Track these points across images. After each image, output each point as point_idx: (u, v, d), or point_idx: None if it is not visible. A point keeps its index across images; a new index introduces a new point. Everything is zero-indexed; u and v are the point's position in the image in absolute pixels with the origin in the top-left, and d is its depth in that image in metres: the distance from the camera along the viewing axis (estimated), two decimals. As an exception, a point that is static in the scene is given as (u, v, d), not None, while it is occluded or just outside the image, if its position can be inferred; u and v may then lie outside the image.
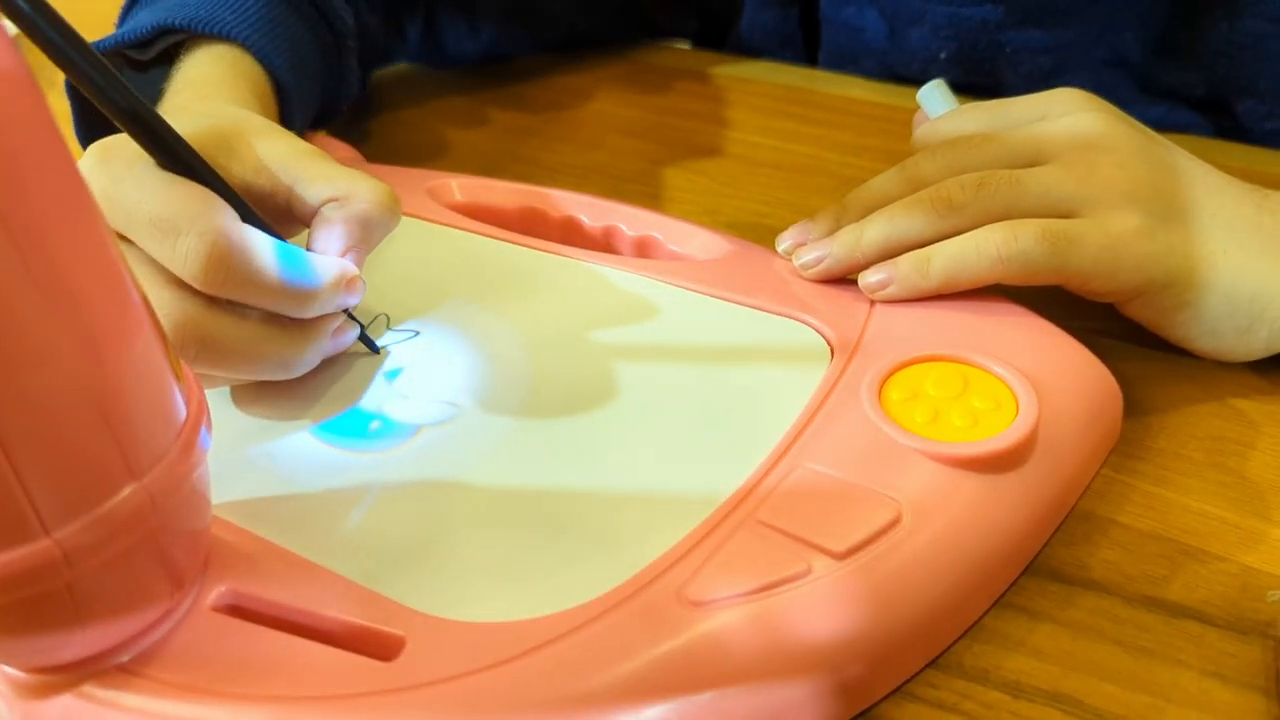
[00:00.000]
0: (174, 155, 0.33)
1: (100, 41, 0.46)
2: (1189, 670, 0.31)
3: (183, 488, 0.27)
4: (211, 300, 0.34)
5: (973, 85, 0.57)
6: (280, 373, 0.36)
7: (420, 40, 0.61)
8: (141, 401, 0.26)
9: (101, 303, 0.25)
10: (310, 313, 0.35)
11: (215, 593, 0.30)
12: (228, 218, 0.33)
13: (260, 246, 0.33)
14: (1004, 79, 0.58)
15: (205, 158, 0.34)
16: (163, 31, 0.45)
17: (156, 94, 0.44)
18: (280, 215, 0.37)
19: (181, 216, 0.32)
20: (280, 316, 0.35)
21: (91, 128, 0.46)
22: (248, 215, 0.35)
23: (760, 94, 0.63)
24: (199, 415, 0.28)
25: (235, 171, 0.36)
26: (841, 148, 0.57)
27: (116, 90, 0.31)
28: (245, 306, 0.34)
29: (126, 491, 0.26)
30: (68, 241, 0.24)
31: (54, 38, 0.30)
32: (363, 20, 0.55)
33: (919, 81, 0.46)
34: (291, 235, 0.37)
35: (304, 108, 0.49)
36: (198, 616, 0.30)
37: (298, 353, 0.36)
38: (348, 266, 0.36)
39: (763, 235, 0.46)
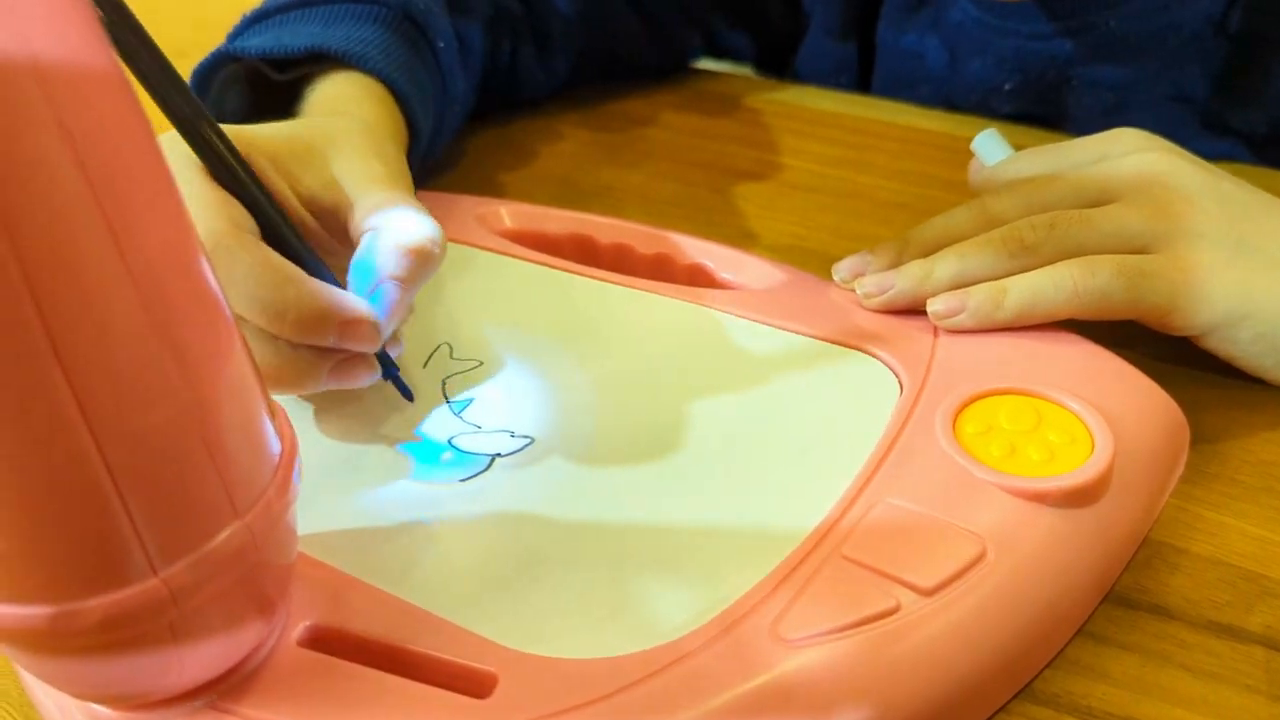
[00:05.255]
0: (217, 160, 0.33)
1: (231, 47, 0.47)
2: (1258, 695, 0.31)
3: (280, 524, 0.27)
4: None
5: (1034, 116, 0.58)
6: (269, 386, 0.34)
7: (509, 69, 0.61)
8: (241, 432, 0.26)
9: (201, 326, 0.24)
10: (288, 333, 0.33)
11: (300, 627, 0.30)
12: (230, 225, 0.33)
13: (254, 257, 0.33)
14: (1067, 112, 0.58)
15: (280, 165, 0.34)
16: (312, 55, 0.46)
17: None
18: (342, 234, 0.37)
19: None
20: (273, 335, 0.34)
21: None
22: (283, 231, 0.34)
23: (799, 118, 0.63)
24: (292, 449, 0.28)
25: (305, 184, 0.36)
26: (878, 171, 0.58)
27: (177, 96, 0.32)
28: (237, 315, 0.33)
29: (230, 530, 0.25)
30: (167, 258, 0.23)
31: (125, 35, 0.30)
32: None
33: (975, 111, 0.47)
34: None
35: (429, 148, 0.50)
36: (284, 652, 0.30)
37: (280, 369, 0.34)
38: (355, 307, 0.34)
39: (802, 258, 0.47)
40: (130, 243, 0.22)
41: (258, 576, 0.27)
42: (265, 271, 0.33)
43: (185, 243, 0.24)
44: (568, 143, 0.62)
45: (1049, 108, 0.58)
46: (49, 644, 0.25)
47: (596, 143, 0.62)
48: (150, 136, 0.23)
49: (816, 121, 0.63)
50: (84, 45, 0.21)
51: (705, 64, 0.72)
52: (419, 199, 0.50)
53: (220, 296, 0.26)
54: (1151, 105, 0.56)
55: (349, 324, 0.33)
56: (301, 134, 0.38)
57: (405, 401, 0.38)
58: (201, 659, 0.27)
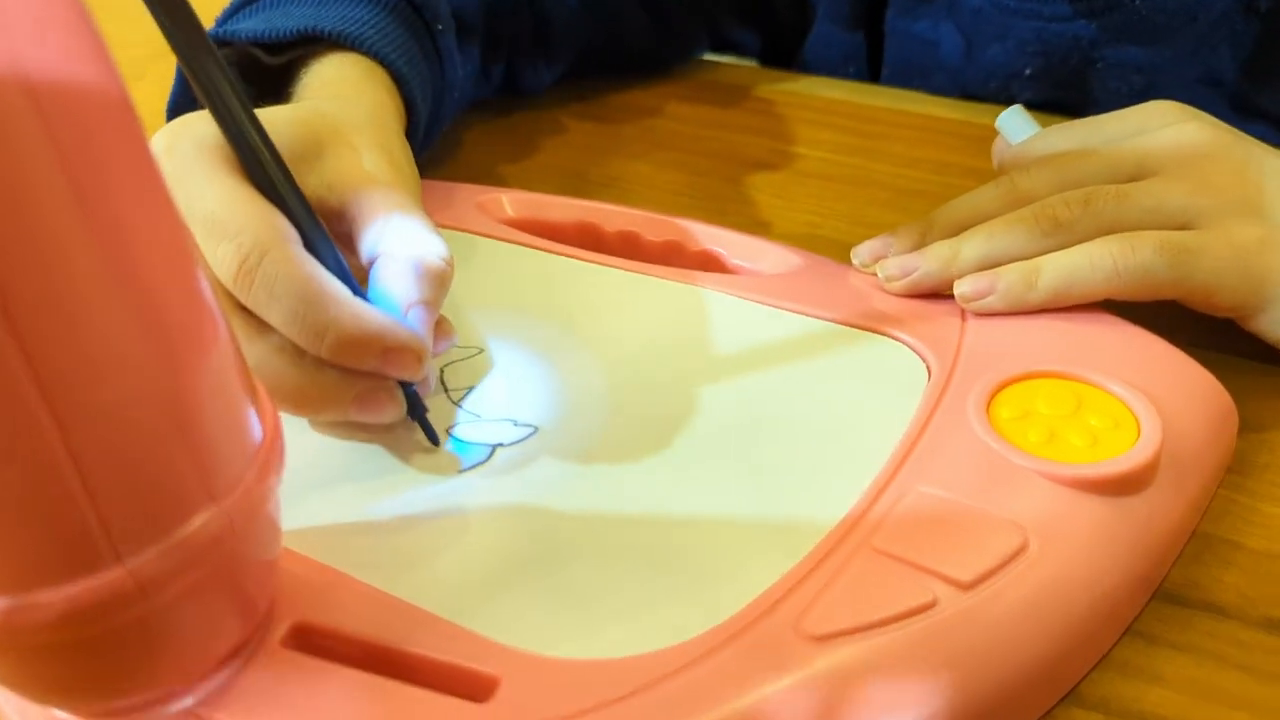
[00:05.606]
0: (260, 168, 0.32)
1: (221, 31, 0.45)
2: (1324, 698, 0.29)
3: (261, 513, 0.25)
4: (238, 306, 0.32)
5: (1057, 102, 0.56)
6: (288, 405, 0.33)
7: (502, 81, 0.59)
8: (218, 417, 0.24)
9: (179, 307, 0.23)
10: (325, 353, 0.32)
11: (284, 627, 0.28)
12: (277, 236, 0.32)
13: (300, 273, 0.31)
14: (1092, 95, 0.56)
15: (288, 161, 0.33)
16: (305, 37, 0.44)
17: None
18: (345, 239, 0.36)
19: (230, 224, 0.32)
20: (303, 352, 0.32)
21: (179, 112, 0.44)
22: (320, 244, 0.33)
23: (812, 107, 0.61)
24: (275, 435, 0.26)
25: (311, 184, 0.35)
26: (894, 159, 0.56)
27: (229, 99, 0.31)
28: (267, 326, 0.32)
29: (205, 516, 0.23)
30: (148, 243, 0.22)
31: (173, 24, 0.30)
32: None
33: (993, 99, 0.44)
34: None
35: (426, 133, 0.49)
36: (267, 653, 0.27)
37: (305, 390, 0.32)
38: (400, 333, 0.32)
39: (818, 246, 0.44)
40: (94, 208, 0.20)
41: (236, 569, 0.25)
42: (311, 288, 0.31)
43: (162, 216, 0.23)
44: (572, 134, 0.60)
45: (1073, 92, 0.56)
46: (5, 640, 0.22)
47: (602, 133, 0.60)
48: (128, 110, 0.22)
49: (829, 110, 0.61)
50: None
51: (710, 57, 0.70)
52: (422, 188, 0.48)
53: (200, 274, 0.24)
54: (1180, 88, 0.54)
55: (393, 351, 0.32)
56: (307, 126, 0.36)
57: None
58: (175, 660, 0.25)
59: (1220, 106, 0.54)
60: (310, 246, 0.33)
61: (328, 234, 0.34)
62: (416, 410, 0.34)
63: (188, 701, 0.26)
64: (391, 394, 0.33)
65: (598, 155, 0.58)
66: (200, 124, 0.33)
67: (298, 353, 0.32)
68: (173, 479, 0.23)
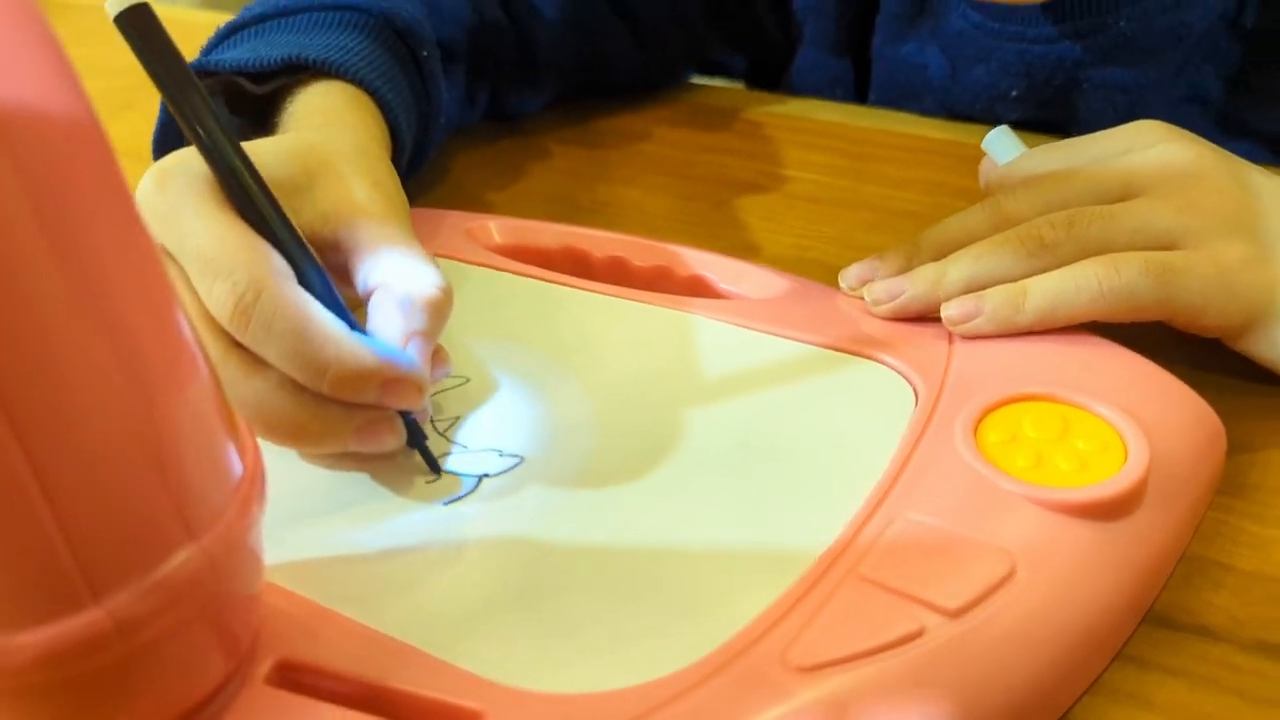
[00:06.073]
0: (250, 202, 0.33)
1: (205, 61, 0.45)
2: (1319, 723, 0.29)
3: (242, 549, 0.25)
4: (235, 344, 0.32)
5: (1042, 122, 0.56)
6: (288, 440, 0.33)
7: (488, 105, 0.59)
8: (197, 454, 0.24)
9: (155, 344, 0.23)
10: (325, 388, 0.32)
11: (267, 664, 0.28)
12: (272, 273, 0.32)
13: (297, 310, 0.31)
14: (1078, 116, 0.56)
15: (279, 194, 0.33)
16: (291, 65, 0.44)
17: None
18: (339, 271, 0.36)
19: (223, 262, 0.32)
20: (302, 386, 0.32)
21: (167, 143, 0.44)
22: (314, 276, 0.33)
23: (800, 129, 0.61)
24: (256, 468, 0.26)
25: (304, 216, 0.35)
26: (883, 180, 0.56)
27: (213, 130, 0.32)
28: (265, 362, 0.32)
29: (184, 554, 0.23)
30: (121, 278, 0.22)
31: (155, 61, 0.31)
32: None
33: (980, 120, 0.44)
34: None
35: (413, 160, 0.49)
36: (251, 691, 0.27)
37: (306, 424, 0.32)
38: (399, 365, 0.32)
39: (806, 269, 0.44)
40: (65, 247, 0.20)
41: (218, 606, 0.25)
42: (309, 325, 0.31)
43: (135, 251, 0.22)
44: (559, 159, 0.60)
45: (1058, 112, 0.56)
46: (-20, 684, 0.22)
47: (589, 159, 0.60)
48: (101, 144, 0.22)
49: (817, 132, 0.61)
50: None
51: (697, 80, 0.70)
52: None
53: (176, 310, 0.23)
54: (1166, 107, 0.54)
55: (393, 383, 0.32)
56: (296, 157, 0.36)
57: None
58: (156, 700, 0.25)
59: (1206, 125, 0.54)
60: (304, 280, 0.33)
61: (321, 267, 0.34)
62: (416, 439, 0.34)
63: (170, 741, 0.26)
64: (392, 424, 0.33)
65: (586, 180, 0.58)
66: (192, 159, 0.33)
67: (297, 388, 0.32)
68: (151, 518, 0.23)
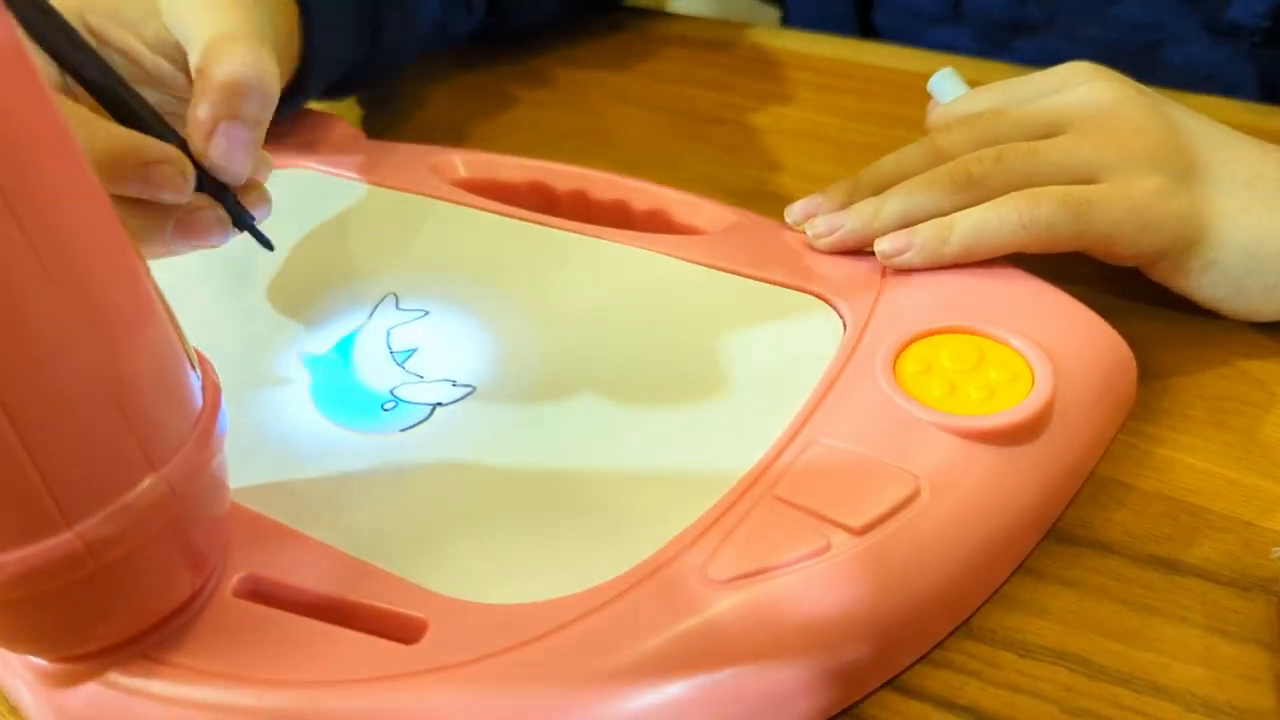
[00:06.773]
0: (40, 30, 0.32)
1: None
2: (1193, 627, 0.31)
3: (202, 476, 0.27)
4: None
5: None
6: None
7: (487, 16, 0.59)
8: (157, 390, 0.26)
9: (113, 288, 0.25)
10: (113, 183, 0.31)
11: (236, 578, 0.30)
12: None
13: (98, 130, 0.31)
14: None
15: (120, 17, 0.35)
16: None
17: None
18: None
19: None
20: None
21: None
22: (118, 93, 0.33)
23: (761, 60, 0.62)
24: (215, 402, 0.28)
25: (151, 29, 0.37)
26: (841, 112, 0.57)
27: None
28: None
29: (147, 483, 0.25)
30: (75, 225, 0.23)
31: None
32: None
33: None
34: None
35: (332, 57, 0.48)
36: (220, 602, 0.30)
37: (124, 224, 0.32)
38: (158, 148, 0.32)
39: (763, 201, 0.46)
40: (21, 203, 0.22)
41: (182, 528, 0.27)
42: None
43: (89, 199, 0.24)
44: (532, 91, 0.61)
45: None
46: (-31, 599, 0.25)
47: (559, 90, 0.61)
48: (46, 101, 0.23)
49: (778, 63, 0.62)
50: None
51: (678, 6, 0.71)
52: (374, 149, 0.49)
53: (133, 255, 0.25)
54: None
55: (151, 165, 0.31)
56: None
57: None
58: (130, 610, 0.27)
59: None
60: (109, 102, 0.32)
61: (123, 83, 0.33)
62: (244, 220, 0.35)
63: (146, 646, 0.29)
64: (211, 216, 0.34)
65: (556, 112, 0.59)
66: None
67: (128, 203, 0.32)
68: (115, 450, 0.25)
